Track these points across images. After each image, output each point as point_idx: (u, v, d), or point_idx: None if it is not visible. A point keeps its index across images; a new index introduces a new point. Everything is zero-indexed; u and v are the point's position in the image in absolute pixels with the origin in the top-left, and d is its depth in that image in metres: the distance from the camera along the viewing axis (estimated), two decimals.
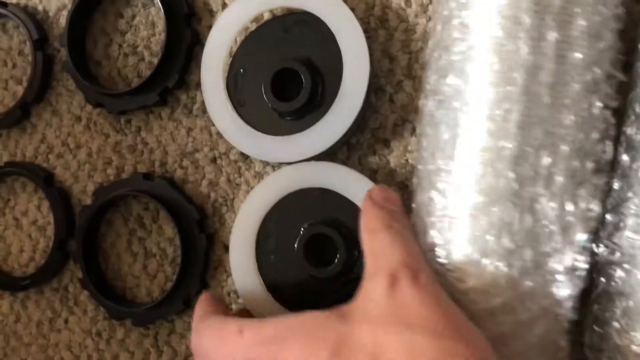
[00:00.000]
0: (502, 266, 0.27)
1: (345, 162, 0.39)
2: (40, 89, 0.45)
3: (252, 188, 0.40)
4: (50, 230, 0.46)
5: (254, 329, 0.28)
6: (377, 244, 0.28)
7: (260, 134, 0.38)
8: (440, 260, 0.29)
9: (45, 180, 0.44)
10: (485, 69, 0.28)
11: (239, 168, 0.41)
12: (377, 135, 0.38)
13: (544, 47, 0.27)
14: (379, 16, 0.38)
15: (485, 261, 0.27)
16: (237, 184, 0.41)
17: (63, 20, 0.46)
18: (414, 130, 0.37)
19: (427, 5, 0.37)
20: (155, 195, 0.41)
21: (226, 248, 0.41)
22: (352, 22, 0.36)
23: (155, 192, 0.41)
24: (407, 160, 0.37)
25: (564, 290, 0.28)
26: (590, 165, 0.28)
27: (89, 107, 0.45)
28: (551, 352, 0.29)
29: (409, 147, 0.37)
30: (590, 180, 0.28)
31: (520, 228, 0.27)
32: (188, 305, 0.41)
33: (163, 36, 0.42)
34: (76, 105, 0.45)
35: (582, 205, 0.28)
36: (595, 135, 0.28)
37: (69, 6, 0.45)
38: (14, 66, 0.47)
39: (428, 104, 0.32)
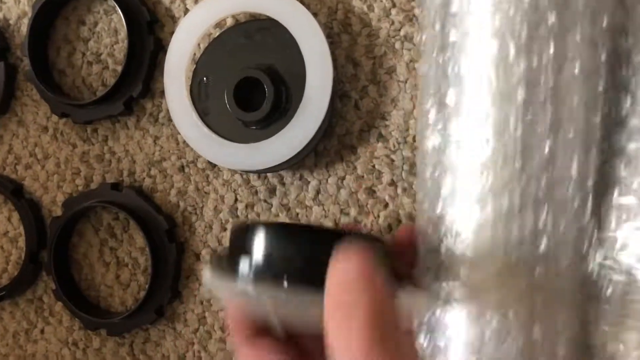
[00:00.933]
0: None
1: (312, 169, 0.39)
2: (4, 100, 0.45)
3: (220, 196, 0.40)
4: (22, 242, 0.45)
5: None
6: (336, 326, 0.23)
7: (226, 141, 0.38)
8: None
9: (13, 192, 0.44)
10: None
11: (207, 176, 0.41)
12: (344, 141, 0.38)
13: None
14: (341, 20, 0.38)
15: None
16: (205, 192, 0.41)
17: (24, 28, 0.45)
18: (380, 136, 0.37)
19: (390, 9, 0.37)
20: (124, 205, 0.41)
21: (197, 256, 0.41)
22: (314, 28, 0.36)
23: (124, 202, 0.41)
24: (374, 166, 0.37)
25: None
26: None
27: (55, 117, 0.44)
28: None
29: (376, 153, 0.37)
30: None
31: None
32: (161, 315, 0.41)
33: (126, 44, 0.41)
34: (42, 116, 0.44)
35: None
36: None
37: (30, 14, 0.44)
38: None
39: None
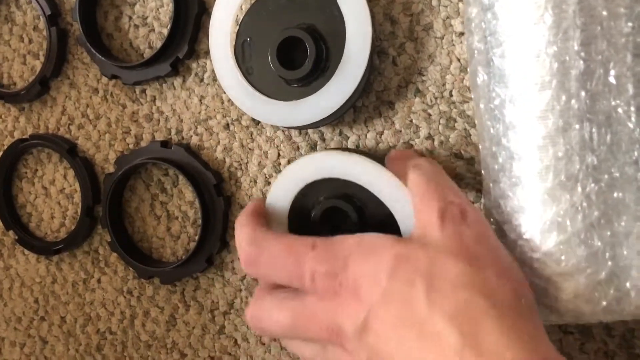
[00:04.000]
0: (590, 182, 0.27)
1: (351, 125, 0.40)
2: (57, 64, 0.47)
3: (264, 152, 0.42)
4: (78, 198, 0.48)
5: (326, 245, 0.30)
6: (410, 185, 0.31)
7: (269, 99, 0.40)
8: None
9: (69, 150, 0.47)
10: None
11: (251, 133, 0.43)
12: (382, 97, 0.39)
13: None
14: None
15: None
16: (250, 149, 0.43)
17: None
18: (417, 91, 0.39)
19: None
20: (174, 161, 0.43)
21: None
22: None
23: (173, 158, 0.43)
24: (411, 121, 0.39)
25: None
26: None
27: (104, 79, 0.46)
28: None
29: (413, 108, 0.39)
30: None
31: (600, 143, 0.27)
32: (210, 264, 0.44)
33: (171, 7, 0.43)
34: (92, 78, 0.47)
35: None
36: None
37: None
38: (30, 41, 0.49)
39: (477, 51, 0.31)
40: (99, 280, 0.48)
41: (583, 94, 0.27)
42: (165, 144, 0.44)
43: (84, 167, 0.47)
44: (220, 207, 0.43)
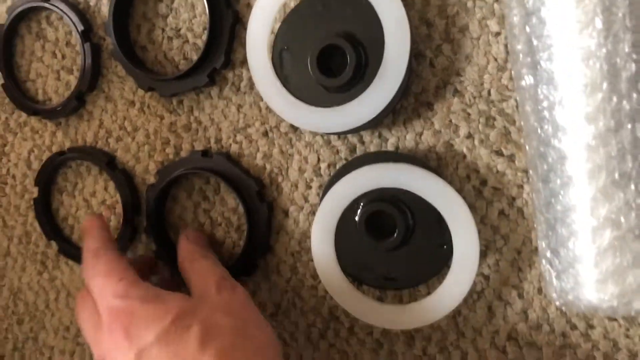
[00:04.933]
0: None
1: (390, 127, 0.41)
2: (92, 78, 0.48)
3: (304, 157, 0.43)
4: (119, 209, 0.49)
5: (131, 284, 0.36)
6: (198, 267, 0.40)
7: (308, 106, 0.40)
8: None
9: (108, 163, 0.48)
10: None
11: (290, 139, 0.44)
12: (420, 99, 0.40)
13: None
14: None
15: None
16: (289, 155, 0.44)
17: (104, 8, 0.48)
18: (455, 91, 0.39)
19: None
20: (215, 170, 0.44)
21: (285, 213, 0.44)
22: None
23: (214, 167, 0.44)
24: (450, 120, 0.40)
25: None
26: None
27: (140, 91, 0.47)
28: None
29: (452, 108, 0.39)
30: None
31: None
32: (255, 268, 0.45)
33: (205, 19, 0.44)
34: (128, 91, 0.48)
35: None
36: None
37: None
38: (63, 57, 0.50)
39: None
40: None
41: (634, 95, 0.28)
42: (206, 153, 0.45)
43: (124, 178, 0.48)
44: (263, 213, 0.44)
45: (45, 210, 0.51)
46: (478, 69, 0.39)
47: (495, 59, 0.38)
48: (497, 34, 0.38)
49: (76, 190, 0.51)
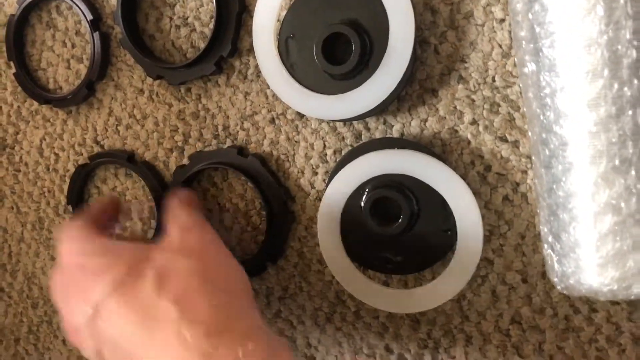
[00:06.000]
0: None
1: (395, 114, 0.42)
2: (102, 67, 0.48)
3: (310, 144, 0.44)
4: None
5: (86, 240, 0.37)
6: (171, 216, 0.40)
7: (315, 94, 0.41)
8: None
9: (128, 159, 0.49)
10: None
11: (297, 126, 0.44)
12: (425, 85, 0.40)
13: None
14: None
15: None
16: (296, 141, 0.44)
17: None
18: (460, 78, 0.40)
19: None
20: (248, 172, 0.44)
21: (292, 199, 0.45)
22: None
23: (249, 168, 0.45)
24: (455, 107, 0.40)
25: None
26: None
27: (149, 79, 0.48)
28: None
29: (457, 95, 0.40)
30: None
31: None
32: (266, 269, 0.46)
33: (212, 7, 0.44)
34: (137, 79, 0.48)
35: None
36: None
37: None
38: (73, 46, 0.50)
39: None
40: None
41: (636, 81, 0.28)
42: (242, 151, 0.45)
43: (147, 169, 0.48)
44: (286, 223, 0.45)
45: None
46: (482, 55, 0.39)
47: (500, 46, 0.38)
48: (502, 20, 0.38)
49: (103, 195, 0.52)
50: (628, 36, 0.28)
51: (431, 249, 0.40)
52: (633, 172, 0.29)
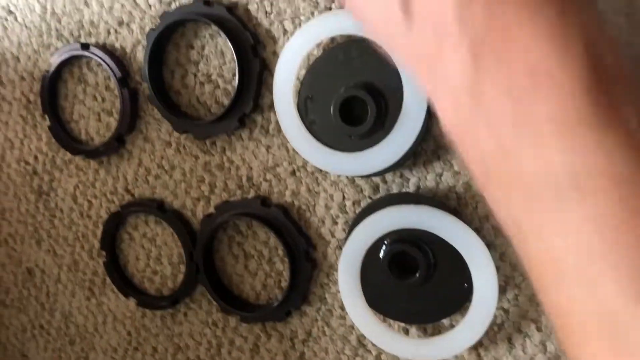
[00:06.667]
0: None
1: (411, 168, 0.43)
2: (130, 120, 0.51)
3: (329, 195, 0.46)
4: (176, 249, 0.53)
5: None
6: None
7: (332, 151, 0.43)
8: None
9: (158, 207, 0.51)
10: None
11: (317, 178, 0.46)
12: (440, 142, 0.42)
13: None
14: None
15: None
16: (316, 192, 0.46)
17: (139, 54, 0.51)
18: None
19: None
20: (271, 222, 0.46)
21: (314, 247, 0.47)
22: None
23: (271, 219, 0.47)
24: None
25: None
26: None
27: (176, 133, 0.50)
28: None
29: None
30: None
31: None
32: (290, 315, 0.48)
33: (234, 66, 0.46)
34: (165, 132, 0.51)
35: None
36: None
37: (143, 41, 0.50)
38: (103, 100, 0.53)
39: None
40: (185, 314, 0.53)
41: None
42: (265, 201, 0.47)
43: (175, 217, 0.51)
44: (307, 271, 0.47)
45: (117, 269, 0.55)
46: None
47: None
48: None
49: (134, 240, 0.54)
50: None
51: (449, 300, 0.42)
52: None
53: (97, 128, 0.54)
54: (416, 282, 0.41)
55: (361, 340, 0.47)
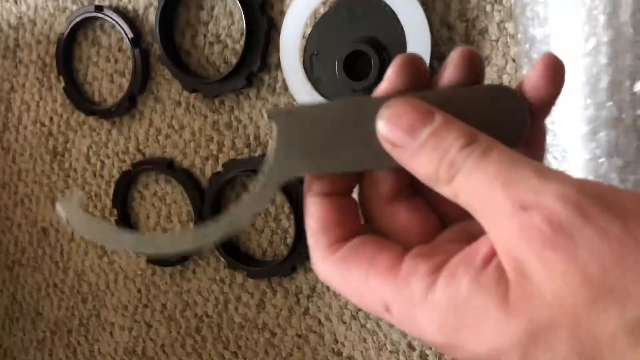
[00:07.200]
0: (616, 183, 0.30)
1: None
2: (142, 81, 0.52)
3: None
4: (185, 206, 0.54)
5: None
6: None
7: None
8: None
9: (168, 166, 0.52)
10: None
11: None
12: None
13: None
14: None
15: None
16: None
17: (151, 16, 0.52)
18: None
19: None
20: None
21: None
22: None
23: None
24: None
25: None
26: None
27: (186, 92, 0.51)
28: None
29: None
30: None
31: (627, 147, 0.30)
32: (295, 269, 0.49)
33: (242, 25, 0.47)
34: (175, 92, 0.52)
35: None
36: None
37: (155, 3, 0.51)
38: (116, 61, 0.54)
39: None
40: (193, 271, 0.54)
41: (610, 103, 0.30)
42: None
43: (185, 176, 0.52)
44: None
45: (128, 227, 0.56)
46: (497, 69, 0.41)
47: (513, 60, 0.40)
48: (515, 36, 0.40)
49: (145, 199, 0.56)
50: (628, 62, 0.29)
51: None
52: None
53: (110, 89, 0.55)
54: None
55: None
